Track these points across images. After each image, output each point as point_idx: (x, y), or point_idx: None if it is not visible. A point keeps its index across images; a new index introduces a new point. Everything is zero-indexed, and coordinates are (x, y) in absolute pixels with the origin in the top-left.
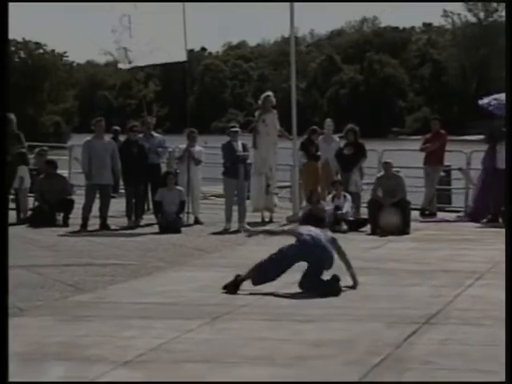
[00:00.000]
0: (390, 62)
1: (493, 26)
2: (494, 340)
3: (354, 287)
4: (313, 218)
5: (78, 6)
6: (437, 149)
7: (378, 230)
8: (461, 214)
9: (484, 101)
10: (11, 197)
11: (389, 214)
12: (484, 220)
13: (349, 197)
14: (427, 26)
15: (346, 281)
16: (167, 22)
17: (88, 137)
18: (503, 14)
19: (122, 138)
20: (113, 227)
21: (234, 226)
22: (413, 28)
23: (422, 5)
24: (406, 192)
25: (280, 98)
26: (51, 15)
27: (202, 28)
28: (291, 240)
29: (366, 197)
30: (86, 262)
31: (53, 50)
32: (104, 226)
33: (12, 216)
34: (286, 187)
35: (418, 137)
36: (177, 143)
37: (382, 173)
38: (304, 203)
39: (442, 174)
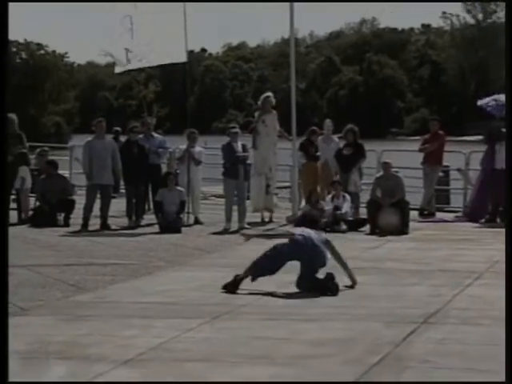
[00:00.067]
0: (388, 63)
1: (491, 28)
2: (492, 339)
3: (352, 287)
4: (307, 219)
5: (78, 7)
6: (435, 149)
7: (377, 230)
8: (459, 214)
9: (483, 101)
10: (12, 197)
11: (388, 214)
12: (482, 220)
13: (348, 197)
14: (426, 27)
15: (343, 280)
16: (167, 23)
17: (89, 137)
18: (501, 15)
19: (122, 138)
20: (113, 227)
21: (234, 226)
22: (412, 29)
23: (420, 6)
24: (405, 192)
25: (280, 98)
26: (52, 16)
27: (202, 29)
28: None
29: (365, 197)
30: (87, 261)
31: (54, 51)
32: (105, 225)
33: (13, 216)
34: (285, 187)
35: (417, 137)
36: (177, 144)
37: (381, 173)
38: (303, 203)
39: (441, 174)
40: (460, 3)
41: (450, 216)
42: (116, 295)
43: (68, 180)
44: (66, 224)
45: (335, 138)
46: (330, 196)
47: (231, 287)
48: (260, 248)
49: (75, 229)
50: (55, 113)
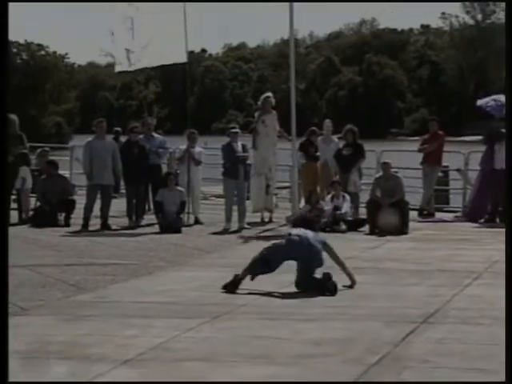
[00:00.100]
0: (388, 63)
1: (490, 28)
2: (491, 339)
3: (352, 287)
4: (304, 221)
5: (78, 7)
6: (435, 149)
7: (377, 230)
8: (459, 215)
9: (482, 102)
10: (13, 197)
11: (387, 214)
12: (481, 220)
13: (348, 197)
14: (425, 27)
15: (342, 280)
16: (167, 23)
17: (89, 137)
18: (500, 16)
19: (122, 138)
20: (114, 227)
21: (234, 226)
22: (411, 30)
23: (420, 7)
24: (405, 192)
25: (279, 99)
26: (52, 17)
27: (202, 29)
28: None
29: (364, 197)
30: (88, 261)
31: (54, 52)
32: (105, 226)
33: (14, 216)
34: (285, 188)
35: (417, 138)
36: (177, 144)
37: (381, 173)
38: (303, 203)
39: (440, 174)
40: (459, 4)
41: (450, 216)
42: (116, 295)
43: (68, 180)
44: (67, 224)
45: (335, 138)
46: (329, 196)
47: (231, 287)
48: (260, 248)
49: (76, 229)
50: (56, 113)
